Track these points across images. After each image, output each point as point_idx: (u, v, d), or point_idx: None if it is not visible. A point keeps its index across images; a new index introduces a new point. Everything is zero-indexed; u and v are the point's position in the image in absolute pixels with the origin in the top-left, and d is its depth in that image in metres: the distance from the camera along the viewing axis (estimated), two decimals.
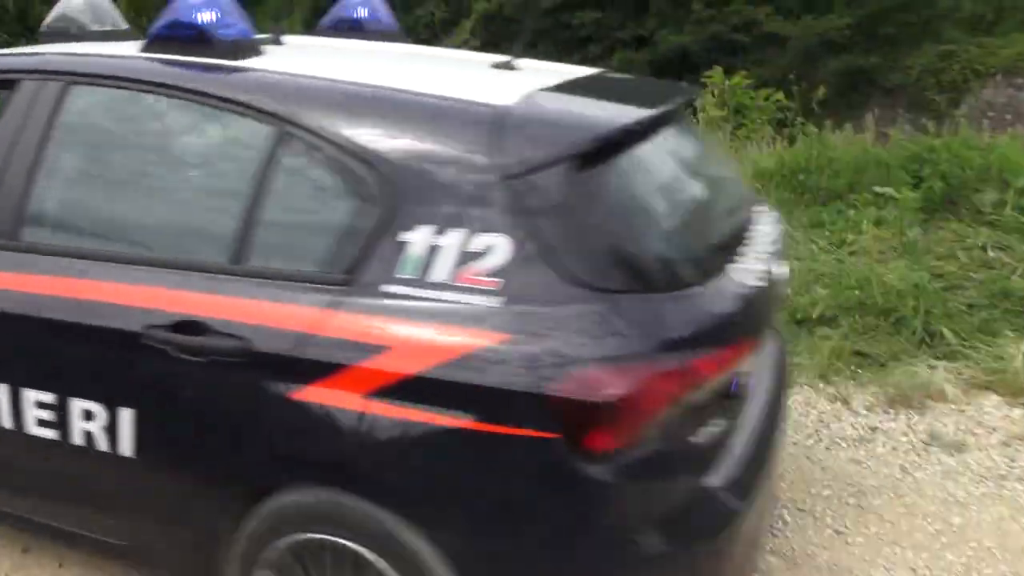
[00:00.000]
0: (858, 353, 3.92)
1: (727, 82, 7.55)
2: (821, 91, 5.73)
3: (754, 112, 7.64)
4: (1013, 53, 20.72)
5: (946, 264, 4.41)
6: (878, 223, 4.77)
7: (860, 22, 21.13)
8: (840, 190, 5.25)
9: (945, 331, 3.93)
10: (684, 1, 24.09)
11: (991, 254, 4.49)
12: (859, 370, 3.83)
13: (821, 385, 3.75)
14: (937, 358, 3.85)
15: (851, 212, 4.97)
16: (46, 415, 2.09)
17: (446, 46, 31.42)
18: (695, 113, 7.27)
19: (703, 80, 7.70)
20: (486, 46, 29.99)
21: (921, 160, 5.15)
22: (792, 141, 6.01)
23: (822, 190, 5.28)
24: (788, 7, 22.61)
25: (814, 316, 4.11)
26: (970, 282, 4.32)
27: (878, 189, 5.08)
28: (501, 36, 29.43)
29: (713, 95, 7.42)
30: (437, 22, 31.17)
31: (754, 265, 2.05)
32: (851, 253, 4.65)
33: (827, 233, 4.92)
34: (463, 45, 30.60)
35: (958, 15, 21.57)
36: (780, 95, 7.58)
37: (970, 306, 4.16)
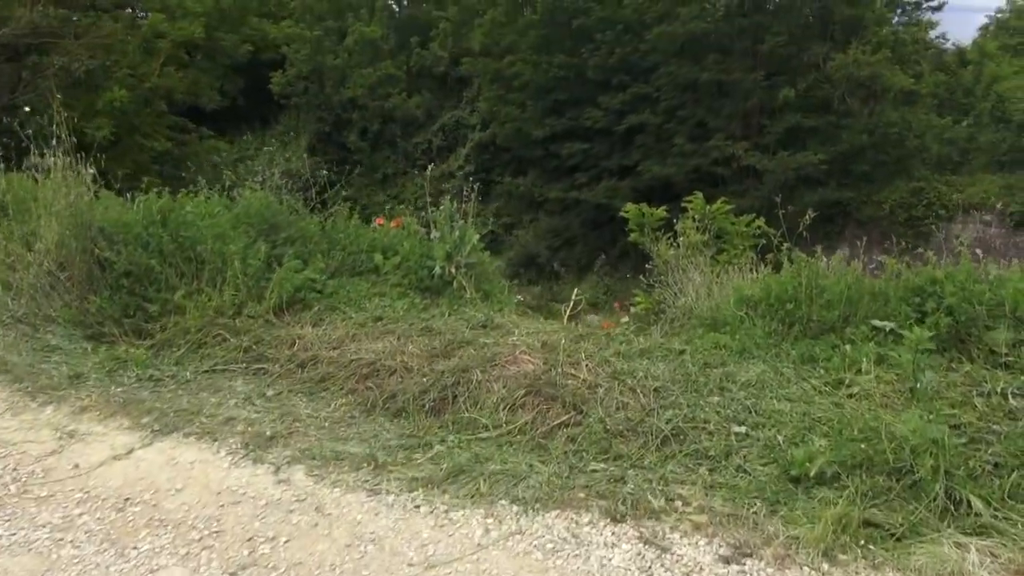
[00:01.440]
0: (868, 523, 3.08)
1: (708, 207, 6.97)
2: (808, 216, 5.17)
3: (736, 238, 7.02)
4: (979, 191, 20.76)
5: (963, 413, 3.62)
6: (879, 361, 3.99)
7: (834, 158, 21.30)
8: (833, 323, 4.52)
9: (972, 498, 3.09)
10: (667, 135, 24.41)
11: (1013, 402, 3.69)
12: (871, 546, 2.97)
13: (825, 566, 2.87)
14: (966, 533, 3.00)
15: (847, 348, 4.22)
16: None
17: (441, 171, 31.01)
18: (675, 238, 6.62)
19: (684, 204, 7.12)
20: (479, 172, 30.06)
21: (923, 293, 4.44)
22: (777, 267, 5.31)
23: (813, 322, 4.54)
24: (765, 143, 22.85)
25: (812, 473, 3.27)
26: (992, 435, 3.51)
27: (876, 323, 4.35)
28: (493, 163, 29.68)
29: (694, 220, 6.81)
30: (434, 148, 31.53)
31: None
32: (851, 396, 3.86)
33: (821, 371, 4.15)
34: (457, 171, 30.78)
35: (926, 155, 21.77)
36: (761, 221, 6.99)
37: (996, 465, 3.34)
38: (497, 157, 29.00)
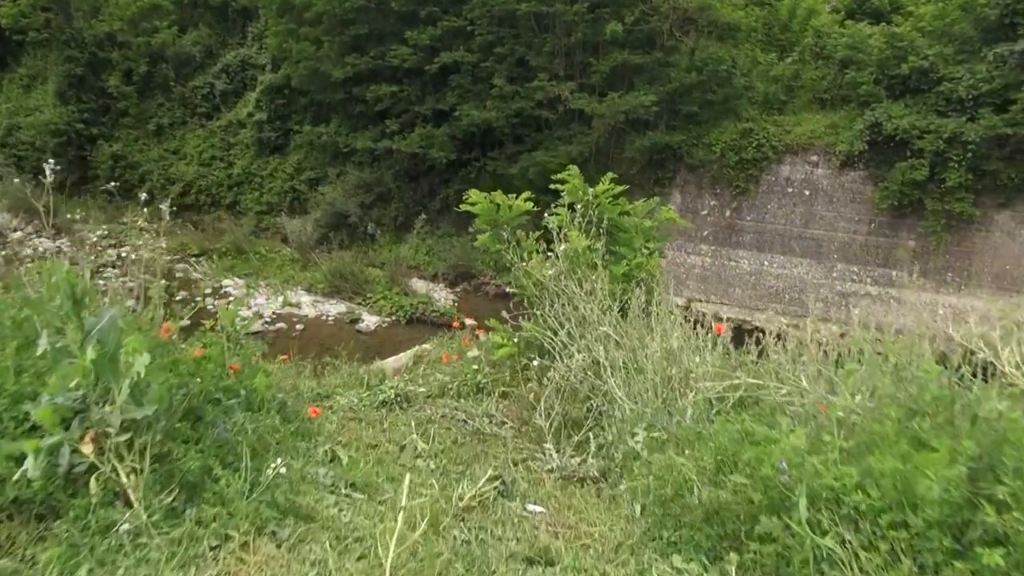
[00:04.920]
0: None
1: (591, 190, 4.39)
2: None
3: (635, 237, 4.53)
4: (806, 131, 19.98)
5: None
6: None
7: (663, 99, 19.70)
8: None
9: None
10: (485, 76, 21.74)
11: None
12: None
13: None
14: None
15: None
16: None
17: (229, 120, 26.28)
18: (549, 249, 4.02)
19: (556, 187, 4.51)
20: (273, 120, 25.79)
21: None
22: None
23: None
24: (591, 84, 20.83)
25: None
26: None
27: None
28: (289, 109, 25.61)
29: (572, 211, 4.22)
30: (217, 94, 26.80)
31: None
32: None
33: None
34: (248, 119, 26.36)
35: (753, 94, 20.69)
36: (673, 211, 4.55)
37: None
38: (293, 102, 25.06)
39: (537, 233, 4.84)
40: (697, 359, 3.12)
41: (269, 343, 18.28)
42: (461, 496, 2.81)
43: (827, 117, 19.83)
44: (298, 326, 19.05)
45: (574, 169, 5.00)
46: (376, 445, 4.27)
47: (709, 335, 3.54)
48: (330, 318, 19.73)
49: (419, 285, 21.28)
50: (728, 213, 20.36)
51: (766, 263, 19.91)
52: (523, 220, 4.88)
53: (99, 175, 27.51)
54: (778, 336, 3.27)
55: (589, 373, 3.73)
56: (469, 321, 20.00)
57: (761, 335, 3.25)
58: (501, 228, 4.79)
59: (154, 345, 2.46)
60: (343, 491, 2.75)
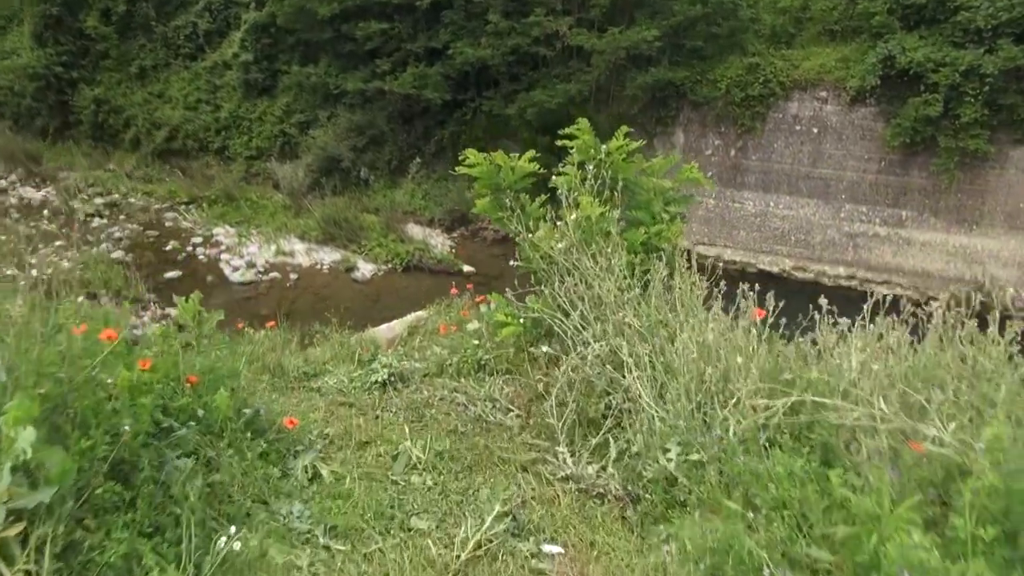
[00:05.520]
0: None
1: (604, 147, 3.81)
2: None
3: (653, 199, 3.96)
4: (815, 65, 19.09)
5: None
6: None
7: (665, 34, 18.74)
8: None
9: None
10: (479, 11, 20.65)
11: None
12: None
13: None
14: None
15: None
16: None
17: (214, 61, 25.12)
18: (556, 216, 3.52)
19: (561, 142, 3.92)
20: (260, 61, 24.73)
21: None
22: None
23: None
24: (590, 19, 19.80)
25: None
26: None
27: None
28: (276, 49, 24.50)
29: (580, 168, 3.66)
30: (201, 33, 25.62)
31: None
32: None
33: None
34: (233, 60, 25.29)
35: (760, 27, 19.70)
36: (695, 169, 3.97)
37: None
38: (280, 42, 23.96)
39: (543, 197, 4.26)
40: (739, 359, 2.61)
41: (263, 294, 17.73)
42: (464, 540, 2.33)
43: (837, 50, 18.90)
44: (292, 276, 18.50)
45: (583, 122, 4.34)
46: (368, 443, 3.80)
47: (745, 317, 3.01)
48: (325, 267, 19.16)
49: (415, 231, 20.63)
50: (733, 153, 19.61)
51: (772, 204, 19.26)
52: (528, 183, 4.29)
53: (82, 120, 26.52)
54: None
55: (608, 366, 3.23)
56: (468, 268, 19.52)
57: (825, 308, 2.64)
58: (503, 192, 4.20)
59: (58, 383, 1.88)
60: (321, 541, 2.27)
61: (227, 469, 2.29)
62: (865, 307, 2.83)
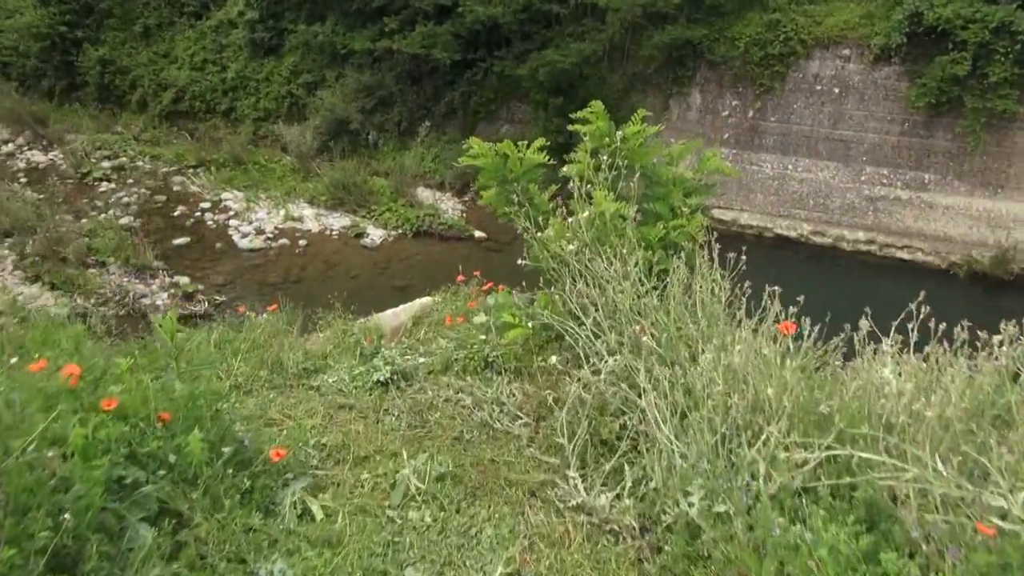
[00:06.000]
0: None
1: (619, 133, 3.47)
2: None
3: (672, 192, 3.64)
4: (838, 22, 18.35)
5: None
6: None
7: None
8: None
9: None
10: None
11: None
12: None
13: None
14: None
15: None
16: None
17: (219, 20, 24.59)
18: (569, 212, 3.22)
19: (575, 128, 3.58)
20: (265, 19, 24.20)
21: None
22: None
23: None
24: None
25: None
26: None
27: None
28: (282, 7, 23.90)
29: (593, 157, 3.34)
30: None
31: None
32: None
33: None
34: (239, 18, 24.73)
35: None
36: (719, 156, 3.64)
37: None
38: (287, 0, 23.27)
39: (553, 188, 3.93)
40: (770, 391, 2.32)
41: (272, 261, 17.47)
42: None
43: (862, 6, 18.15)
44: (301, 242, 18.24)
45: (597, 105, 3.95)
46: (366, 458, 3.56)
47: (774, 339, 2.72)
48: (334, 232, 18.88)
49: (425, 195, 20.25)
50: (751, 114, 19.01)
51: (790, 167, 18.72)
52: (537, 175, 3.95)
53: (88, 82, 26.12)
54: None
55: (623, 384, 2.96)
56: (479, 233, 19.18)
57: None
58: (510, 185, 3.86)
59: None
60: None
61: (199, 527, 2.05)
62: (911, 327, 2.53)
